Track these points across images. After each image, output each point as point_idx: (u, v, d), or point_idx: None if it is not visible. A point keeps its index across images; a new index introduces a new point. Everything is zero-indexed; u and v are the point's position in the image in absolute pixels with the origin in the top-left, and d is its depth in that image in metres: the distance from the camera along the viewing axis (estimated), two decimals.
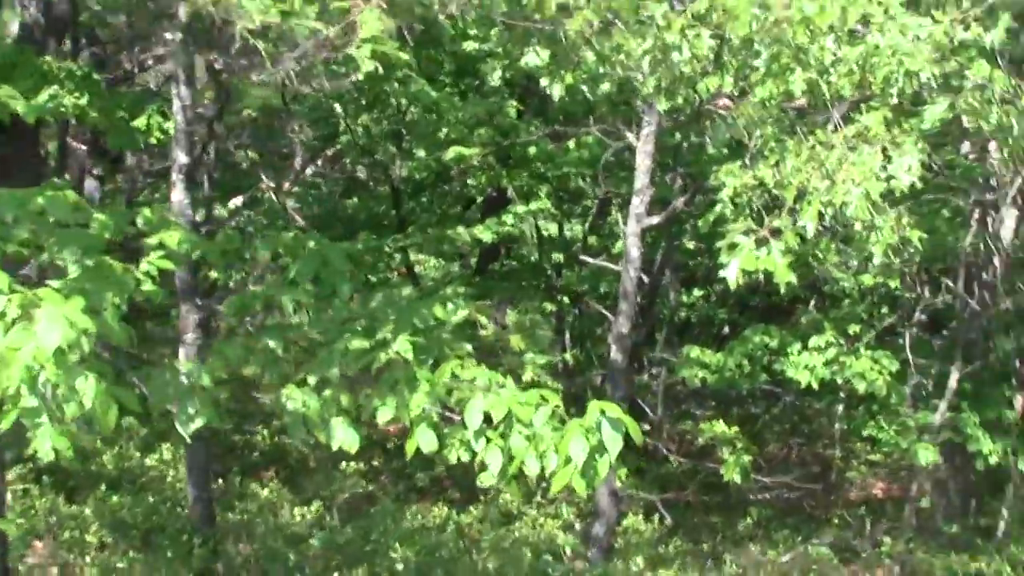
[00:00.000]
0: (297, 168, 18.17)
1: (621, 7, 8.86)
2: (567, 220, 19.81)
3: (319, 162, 19.69)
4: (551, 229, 19.63)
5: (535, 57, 9.81)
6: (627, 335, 13.32)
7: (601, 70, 9.70)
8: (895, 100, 8.98)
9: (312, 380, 7.35)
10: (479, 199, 19.48)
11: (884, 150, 8.60)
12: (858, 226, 8.39)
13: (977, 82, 9.62)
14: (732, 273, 7.89)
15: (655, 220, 13.07)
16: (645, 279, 15.47)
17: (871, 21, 8.92)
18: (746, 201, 8.90)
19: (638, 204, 12.87)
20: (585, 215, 19.87)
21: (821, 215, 8.12)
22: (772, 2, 8.74)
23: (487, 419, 6.75)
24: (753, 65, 9.12)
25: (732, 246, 7.95)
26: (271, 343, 7.84)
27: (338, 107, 17.11)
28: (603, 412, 6.50)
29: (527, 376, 13.93)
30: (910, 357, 15.34)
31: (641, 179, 12.78)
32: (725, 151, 12.90)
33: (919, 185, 8.80)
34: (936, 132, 10.22)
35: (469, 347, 14.62)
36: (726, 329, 20.22)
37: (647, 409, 15.18)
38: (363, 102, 16.87)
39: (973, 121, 9.91)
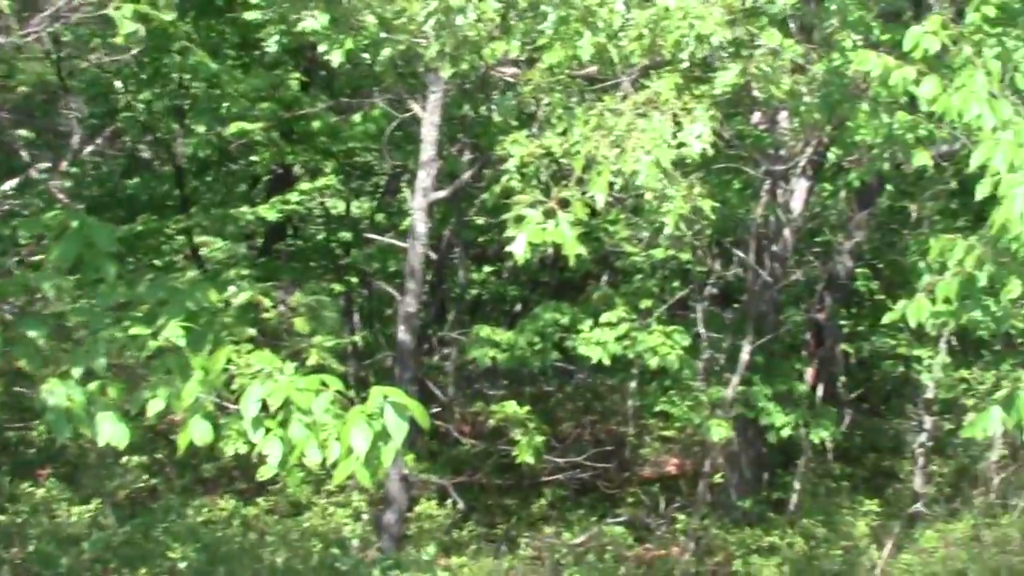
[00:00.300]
0: (75, 147, 17.22)
1: None
2: (355, 197, 19.21)
3: (99, 141, 18.73)
4: (339, 207, 19.04)
5: (313, 21, 9.25)
6: (415, 314, 12.86)
7: (383, 35, 9.19)
8: (686, 65, 8.70)
9: (77, 372, 6.71)
10: (265, 177, 18.76)
11: (675, 117, 8.28)
12: (649, 196, 8.05)
13: (768, 48, 9.40)
14: (519, 247, 7.47)
15: (442, 194, 12.61)
16: (433, 256, 15.01)
17: None
18: (533, 172, 8.50)
19: (424, 178, 12.39)
20: (375, 191, 19.26)
21: (611, 185, 7.75)
22: None
23: (265, 407, 6.22)
24: (541, 29, 8.73)
25: (519, 219, 7.53)
26: (31, 332, 7.16)
27: (118, 83, 16.25)
28: (386, 397, 6.02)
29: (312, 360, 13.38)
30: (703, 331, 15.20)
31: (427, 151, 12.30)
32: (513, 121, 12.51)
33: (710, 153, 8.52)
34: (727, 101, 9.96)
35: (252, 331, 14.04)
36: (518, 306, 19.90)
37: (437, 391, 14.72)
38: (143, 77, 16.02)
39: (764, 88, 9.69)
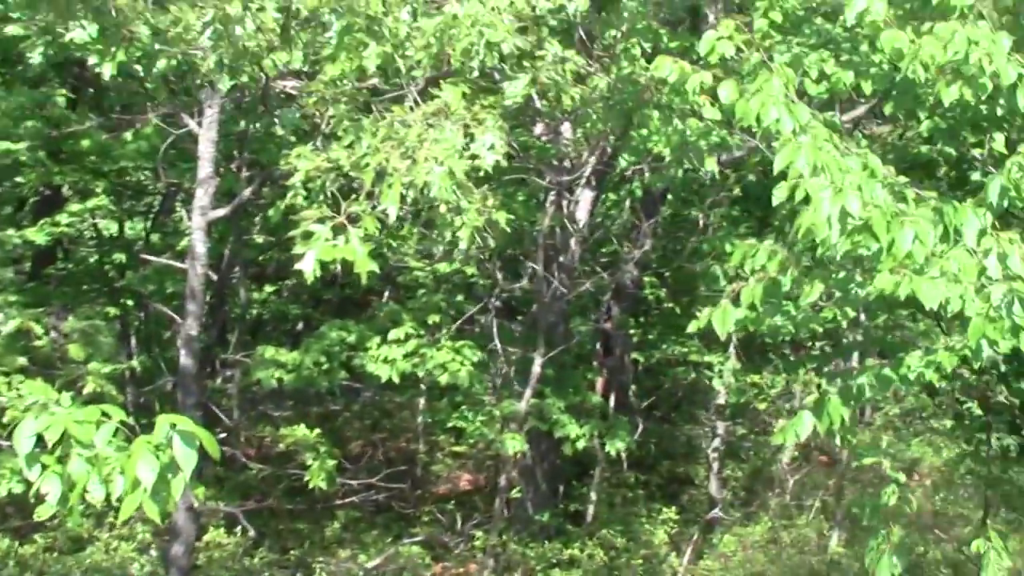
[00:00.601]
0: None
1: None
2: (129, 217, 18.52)
3: None
4: (111, 228, 18.34)
5: (82, 32, 8.74)
6: (196, 337, 12.35)
7: (157, 47, 8.73)
8: (476, 74, 8.47)
9: None
10: (32, 199, 17.96)
11: (466, 128, 8.05)
12: (443, 208, 7.79)
13: (556, 56, 9.25)
14: (308, 265, 7.14)
15: (221, 213, 12.13)
16: (214, 277, 14.50)
17: None
18: (320, 186, 8.15)
19: (202, 196, 11.90)
20: (148, 211, 18.57)
21: (403, 197, 7.48)
22: None
23: (41, 442, 5.77)
24: (324, 40, 8.40)
25: (307, 236, 7.21)
26: None
27: None
28: (174, 426, 5.64)
29: (89, 388, 12.79)
30: (498, 345, 15.01)
31: (204, 169, 11.83)
32: (294, 136, 12.14)
33: (504, 164, 8.31)
34: (510, 112, 9.78)
35: (23, 360, 13.38)
36: (300, 325, 19.46)
37: (222, 415, 14.20)
38: None
39: (553, 98, 9.53)
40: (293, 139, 12.07)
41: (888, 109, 10.22)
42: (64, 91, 15.04)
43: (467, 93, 8.48)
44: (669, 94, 9.39)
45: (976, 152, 12.11)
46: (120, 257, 17.32)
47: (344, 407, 19.08)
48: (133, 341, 17.90)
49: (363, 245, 7.18)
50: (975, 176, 12.20)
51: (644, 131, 10.29)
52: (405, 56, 8.57)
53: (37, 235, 15.29)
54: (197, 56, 8.60)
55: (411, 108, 8.12)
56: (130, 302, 17.43)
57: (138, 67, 9.35)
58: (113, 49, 8.66)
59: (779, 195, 7.67)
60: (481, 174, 8.09)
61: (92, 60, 8.78)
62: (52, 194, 17.24)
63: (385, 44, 8.39)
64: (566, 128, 14.97)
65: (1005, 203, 7.47)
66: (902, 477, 10.09)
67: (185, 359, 12.41)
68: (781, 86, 7.78)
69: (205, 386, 14.81)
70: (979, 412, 17.20)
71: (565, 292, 15.15)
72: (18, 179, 16.11)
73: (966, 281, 6.93)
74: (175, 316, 12.91)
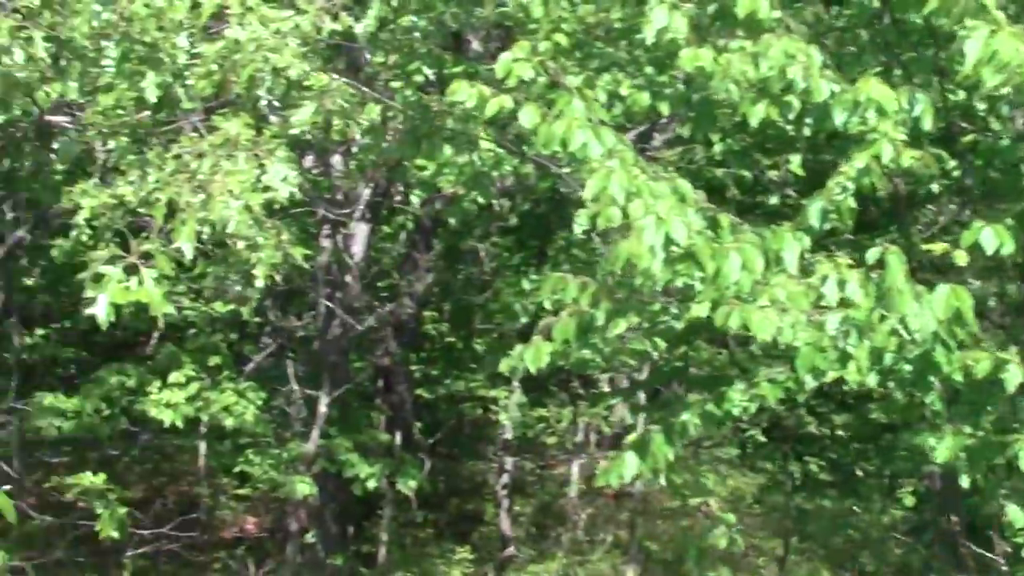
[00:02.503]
0: None
1: None
2: None
3: None
4: None
5: None
6: None
7: None
8: (265, 102, 8.07)
9: None
10: None
11: (257, 159, 7.63)
12: (241, 244, 7.35)
13: (342, 81, 8.90)
14: (101, 309, 6.66)
15: None
16: None
17: (228, 14, 7.93)
18: (106, 224, 7.63)
19: None
20: None
21: (198, 234, 7.03)
22: None
23: None
24: (101, 67, 7.88)
25: (98, 277, 6.72)
26: None
27: None
28: None
29: None
30: (294, 387, 14.48)
31: None
32: (70, 172, 11.43)
33: (298, 196, 7.92)
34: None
35: None
36: (73, 369, 18.54)
37: (2, 465, 13.37)
38: None
39: (340, 126, 9.15)
40: (67, 176, 11.37)
41: (686, 131, 10.06)
42: None
43: (249, 122, 8.06)
44: (460, 121, 9.10)
45: (772, 174, 12.15)
46: None
47: (122, 452, 18.26)
48: None
49: (158, 286, 6.73)
50: (773, 200, 12.24)
51: (431, 162, 9.98)
52: (185, 84, 8.12)
53: None
54: None
55: (199, 137, 7.66)
56: None
57: None
58: None
59: (581, 222, 7.46)
60: (276, 207, 7.68)
61: None
62: None
63: (164, 72, 7.93)
64: (337, 160, 14.62)
65: (826, 226, 7.38)
66: (732, 518, 9.92)
67: None
68: (583, 108, 7.58)
69: None
70: (762, 439, 17.43)
71: (347, 329, 14.74)
72: None
73: (795, 309, 6.76)
74: None
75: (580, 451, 18.35)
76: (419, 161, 12.07)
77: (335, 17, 8.07)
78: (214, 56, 7.90)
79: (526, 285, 11.69)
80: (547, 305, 8.67)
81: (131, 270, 6.73)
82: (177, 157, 7.24)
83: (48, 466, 15.85)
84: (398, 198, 15.73)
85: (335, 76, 8.87)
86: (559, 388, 18.11)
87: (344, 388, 14.61)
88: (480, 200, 10.89)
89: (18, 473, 13.99)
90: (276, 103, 8.51)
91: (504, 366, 8.26)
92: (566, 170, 9.12)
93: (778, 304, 6.85)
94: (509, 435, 17.16)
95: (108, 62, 7.71)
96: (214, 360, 13.88)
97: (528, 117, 7.67)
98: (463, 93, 7.91)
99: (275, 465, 13.90)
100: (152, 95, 7.93)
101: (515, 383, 16.44)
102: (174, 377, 13.35)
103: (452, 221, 10.84)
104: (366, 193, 14.78)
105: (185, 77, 8.13)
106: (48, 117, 8.71)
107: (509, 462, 17.17)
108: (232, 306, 15.03)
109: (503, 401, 16.63)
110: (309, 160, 14.50)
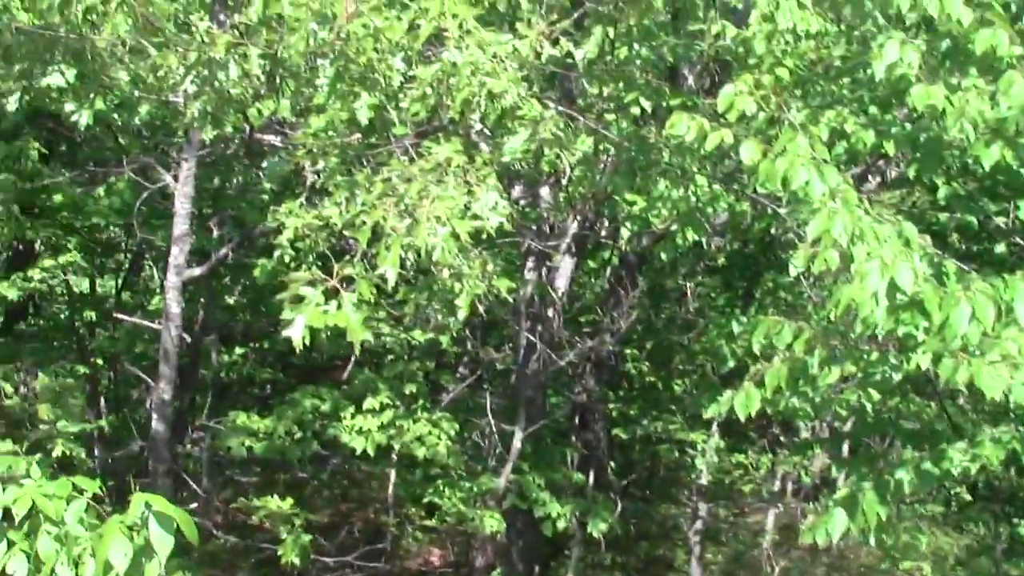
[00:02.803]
0: None
1: (160, 11, 7.24)
2: (100, 275, 17.70)
3: None
4: (83, 285, 17.58)
5: (59, 77, 8.01)
6: (169, 402, 11.56)
7: (137, 93, 8.02)
8: (476, 128, 7.81)
9: None
10: (5, 253, 17.24)
11: (468, 185, 7.37)
12: (444, 273, 7.09)
13: (557, 110, 8.58)
14: (298, 332, 6.45)
15: (197, 272, 11.35)
16: (188, 338, 13.68)
17: (446, 37, 7.68)
18: (309, 246, 7.44)
19: (178, 254, 11.14)
20: (118, 268, 17.69)
21: (402, 261, 6.77)
22: (337, 13, 7.38)
23: (8, 516, 5.13)
24: (314, 87, 7.71)
25: (297, 299, 6.51)
26: None
27: None
28: (150, 506, 5.01)
29: (58, 450, 12.04)
30: (492, 421, 14.21)
31: (180, 226, 11.05)
32: (274, 192, 11.36)
33: (507, 226, 7.63)
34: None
35: None
36: (268, 389, 18.61)
37: (191, 482, 13.37)
38: None
39: (551, 156, 8.83)
40: (271, 195, 11.26)
41: (912, 172, 9.50)
42: (38, 145, 14.27)
43: (460, 149, 7.80)
44: (675, 155, 8.72)
45: (999, 221, 11.48)
46: (91, 315, 16.57)
47: (312, 475, 18.25)
48: (103, 401, 17.11)
49: (357, 311, 6.49)
50: (999, 248, 11.57)
51: (642, 197, 9.61)
52: (399, 107, 7.90)
53: (9, 290, 14.60)
54: (178, 104, 7.89)
55: (410, 162, 7.42)
56: (100, 361, 16.66)
57: (116, 116, 8.61)
58: (91, 96, 7.94)
59: (797, 264, 7.06)
60: (484, 236, 7.40)
61: (69, 107, 8.02)
62: (26, 249, 16.54)
63: (378, 94, 7.73)
64: (545, 192, 14.35)
65: None
66: None
67: (157, 424, 11.62)
68: (807, 145, 7.16)
69: (176, 452, 14.07)
70: (969, 498, 16.56)
71: (546, 363, 14.42)
72: None
73: None
74: (146, 378, 12.13)
75: (776, 500, 17.76)
76: (628, 196, 11.77)
77: (555, 43, 7.76)
78: (429, 79, 7.66)
79: (735, 327, 11.18)
80: (756, 349, 8.26)
81: (331, 293, 6.51)
82: (386, 180, 6.99)
83: (238, 485, 15.88)
84: (604, 232, 15.42)
85: (550, 103, 8.59)
86: (758, 434, 17.56)
87: (540, 424, 14.28)
88: (691, 237, 10.44)
89: (206, 491, 13.97)
90: (487, 130, 8.27)
91: (711, 411, 7.88)
92: (784, 209, 8.67)
93: (1009, 359, 6.34)
94: (705, 480, 16.70)
95: (322, 81, 7.52)
96: (409, 388, 13.69)
97: (749, 152, 7.28)
98: (683, 126, 7.56)
99: (464, 499, 13.63)
100: (364, 117, 7.73)
101: (714, 427, 15.98)
102: (368, 403, 13.21)
103: (664, 257, 10.35)
104: (573, 226, 14.45)
105: (399, 100, 7.92)
106: (259, 135, 8.59)
107: (703, 508, 16.69)
108: (431, 335, 14.87)
109: (701, 445, 16.16)
110: (517, 190, 14.26)
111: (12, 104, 8.14)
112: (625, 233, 11.23)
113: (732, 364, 11.14)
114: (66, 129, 13.32)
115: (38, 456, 10.64)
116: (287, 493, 13.49)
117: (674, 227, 10.07)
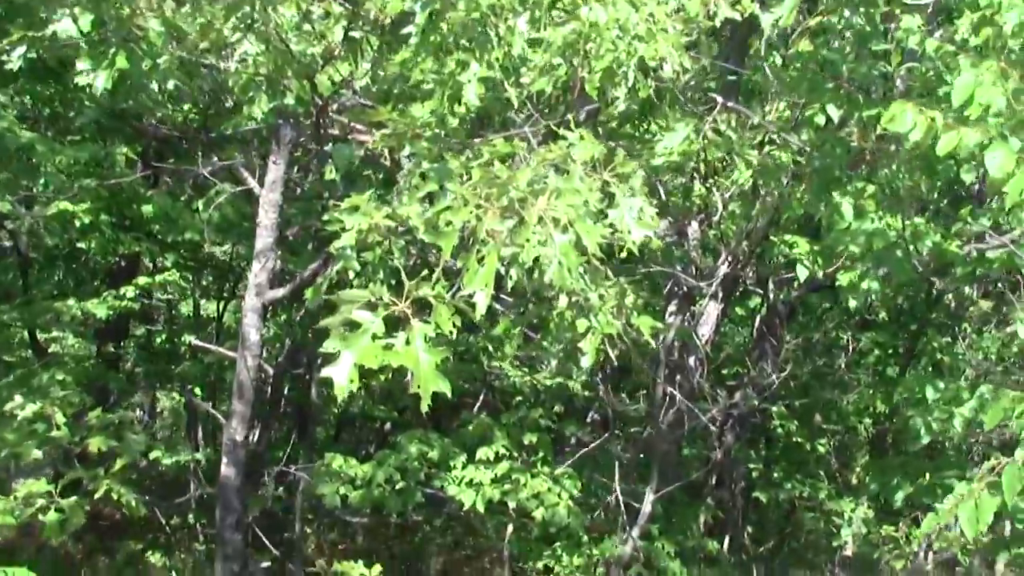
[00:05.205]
0: None
1: None
2: (207, 296, 15.41)
3: None
4: (187, 306, 15.37)
5: (69, 23, 5.66)
6: (242, 443, 9.18)
7: (172, 48, 5.63)
8: (622, 107, 5.32)
9: None
10: (105, 268, 14.98)
11: (605, 185, 4.85)
12: (562, 301, 4.56)
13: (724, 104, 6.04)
14: (342, 373, 4.04)
15: (280, 293, 8.96)
16: (269, 369, 11.30)
17: None
18: (378, 256, 4.98)
19: (259, 272, 8.78)
20: (222, 287, 15.30)
21: (499, 278, 4.28)
22: None
23: None
24: (404, 36, 5.26)
25: (353, 326, 4.10)
26: None
27: None
28: None
29: (102, 490, 9.69)
30: (617, 478, 11.53)
31: (264, 238, 8.68)
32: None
33: (657, 243, 5.11)
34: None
35: (37, 453, 10.40)
36: (388, 426, 16.11)
37: (266, 540, 10.88)
38: None
39: (715, 161, 6.30)
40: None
41: None
42: (125, 149, 12.01)
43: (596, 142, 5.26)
44: (885, 163, 6.10)
45: None
46: (190, 338, 14.22)
47: (425, 519, 15.73)
48: (200, 433, 14.80)
49: (431, 350, 4.04)
50: None
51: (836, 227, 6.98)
52: (519, 83, 5.43)
53: (98, 307, 12.33)
54: (226, 68, 5.49)
55: (529, 149, 4.92)
56: (198, 391, 14.37)
57: (152, 85, 6.22)
58: (111, 52, 5.54)
59: None
60: (618, 255, 4.87)
61: (81, 65, 5.64)
62: (128, 265, 14.33)
63: (492, 63, 5.26)
64: (694, 227, 11.84)
65: None
66: None
67: (227, 468, 9.22)
68: None
69: (264, 498, 11.75)
70: None
71: (684, 417, 11.79)
72: (79, 245, 13.23)
73: None
74: (219, 416, 9.74)
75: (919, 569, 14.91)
76: (788, 238, 9.21)
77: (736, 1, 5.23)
78: (560, 44, 5.19)
79: (930, 394, 8.31)
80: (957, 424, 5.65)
81: (397, 322, 4.09)
82: (486, 165, 4.50)
83: (346, 526, 13.54)
84: (752, 277, 12.88)
85: (718, 96, 6.05)
86: (909, 505, 14.71)
87: (676, 486, 11.69)
88: (874, 285, 7.68)
89: (298, 536, 11.60)
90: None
91: (925, 526, 5.22)
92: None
93: None
94: (849, 552, 14.00)
95: (411, 29, 5.07)
96: (530, 438, 11.18)
97: (999, 161, 4.72)
98: (907, 119, 4.97)
99: (586, 567, 11.07)
100: (473, 95, 5.27)
101: (863, 495, 13.31)
102: (482, 453, 10.74)
103: (852, 304, 7.67)
104: (723, 268, 11.88)
105: (519, 73, 5.47)
106: (335, 116, 6.10)
107: None
108: (558, 378, 12.37)
109: (848, 513, 13.41)
110: (663, 225, 11.71)
111: (16, 60, 5.82)
112: (803, 274, 8.44)
113: (926, 439, 8.43)
114: (154, 130, 11.17)
115: (74, 499, 8.10)
116: (397, 538, 11.10)
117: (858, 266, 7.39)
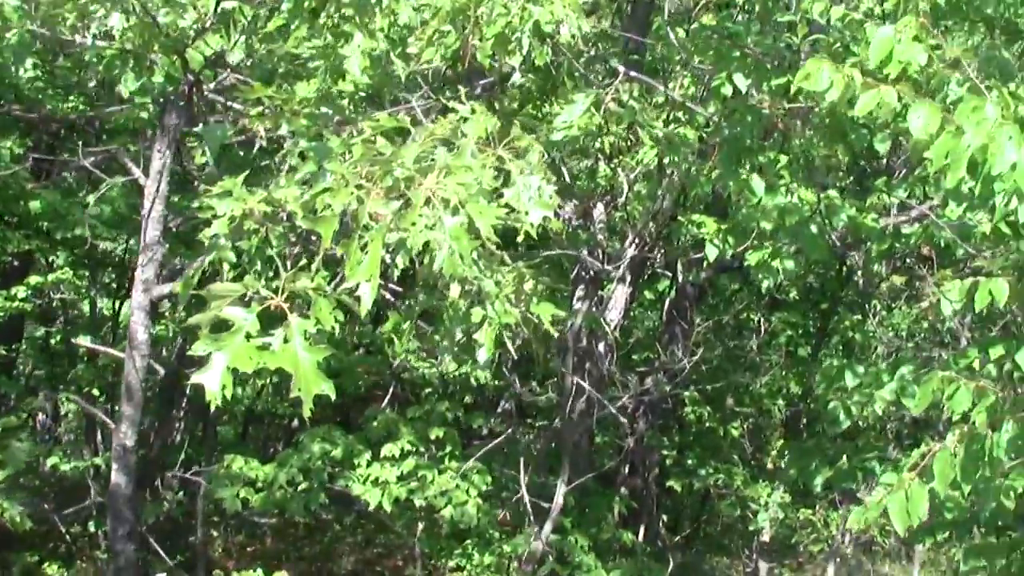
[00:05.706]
0: None
1: None
2: (104, 295, 14.66)
3: None
4: (84, 306, 14.65)
5: None
6: (131, 448, 8.64)
7: (29, 26, 5.11)
8: (518, 78, 4.90)
9: None
10: None
11: (500, 160, 4.43)
12: (454, 290, 4.13)
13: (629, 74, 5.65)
14: (213, 378, 3.59)
15: (168, 288, 8.42)
16: (161, 369, 10.71)
17: None
18: (254, 245, 4.52)
19: (147, 267, 8.26)
20: (120, 285, 14.53)
21: (385, 268, 3.84)
22: None
23: None
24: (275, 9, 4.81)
25: (220, 327, 3.65)
26: None
27: None
28: None
29: None
30: (524, 469, 11.12)
31: (151, 232, 8.14)
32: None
33: (557, 225, 4.70)
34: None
35: None
36: (295, 423, 15.49)
37: (161, 551, 10.30)
38: None
39: (618, 135, 5.90)
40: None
41: None
42: (9, 144, 11.32)
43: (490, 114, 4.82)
44: (799, 133, 5.74)
45: None
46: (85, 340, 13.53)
47: (335, 517, 15.20)
48: (100, 437, 14.10)
49: (311, 348, 3.61)
50: None
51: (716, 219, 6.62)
52: (405, 55, 4.99)
53: None
54: (83, 44, 4.98)
55: (415, 122, 4.48)
56: (96, 392, 13.67)
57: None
58: None
59: (952, 296, 4.26)
60: (519, 239, 4.44)
61: None
62: (21, 264, 13.63)
63: (375, 34, 4.81)
64: (599, 211, 11.48)
65: None
66: None
67: (117, 475, 8.62)
68: (997, 114, 4.23)
69: (140, 507, 11.17)
70: None
71: (594, 406, 11.41)
72: None
73: None
74: (109, 421, 9.19)
75: (836, 552, 14.72)
76: (696, 217, 8.88)
77: None
78: (449, 9, 4.76)
79: (849, 380, 7.93)
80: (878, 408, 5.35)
81: (273, 318, 3.65)
82: (368, 142, 4.06)
83: (255, 527, 13.01)
84: (660, 259, 12.59)
85: (623, 67, 5.65)
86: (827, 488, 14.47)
87: (588, 477, 11.32)
88: (788, 264, 7.30)
89: (202, 539, 11.06)
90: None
91: (852, 520, 4.86)
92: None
93: None
94: (767, 537, 13.76)
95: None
96: (436, 433, 10.75)
97: (922, 120, 4.34)
98: (823, 77, 4.60)
99: (498, 566, 10.67)
100: (356, 67, 4.82)
101: (780, 481, 13.06)
102: (387, 450, 10.30)
103: (767, 284, 7.27)
104: (630, 251, 11.52)
105: (406, 44, 5.03)
106: (212, 95, 5.61)
107: (764, 568, 13.75)
108: (463, 368, 11.91)
109: (764, 498, 13.15)
110: (568, 208, 11.32)
111: None
112: (712, 253, 8.03)
113: (846, 424, 8.10)
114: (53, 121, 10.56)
115: None
116: (307, 538, 10.57)
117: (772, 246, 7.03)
